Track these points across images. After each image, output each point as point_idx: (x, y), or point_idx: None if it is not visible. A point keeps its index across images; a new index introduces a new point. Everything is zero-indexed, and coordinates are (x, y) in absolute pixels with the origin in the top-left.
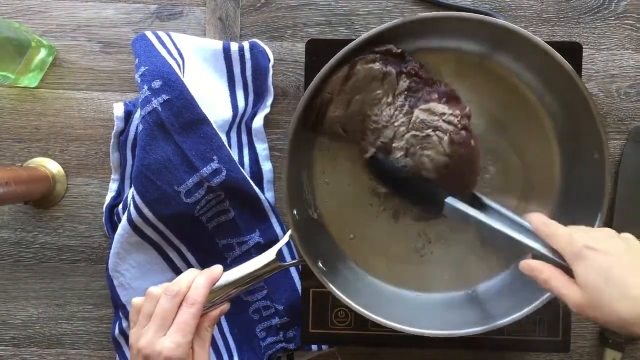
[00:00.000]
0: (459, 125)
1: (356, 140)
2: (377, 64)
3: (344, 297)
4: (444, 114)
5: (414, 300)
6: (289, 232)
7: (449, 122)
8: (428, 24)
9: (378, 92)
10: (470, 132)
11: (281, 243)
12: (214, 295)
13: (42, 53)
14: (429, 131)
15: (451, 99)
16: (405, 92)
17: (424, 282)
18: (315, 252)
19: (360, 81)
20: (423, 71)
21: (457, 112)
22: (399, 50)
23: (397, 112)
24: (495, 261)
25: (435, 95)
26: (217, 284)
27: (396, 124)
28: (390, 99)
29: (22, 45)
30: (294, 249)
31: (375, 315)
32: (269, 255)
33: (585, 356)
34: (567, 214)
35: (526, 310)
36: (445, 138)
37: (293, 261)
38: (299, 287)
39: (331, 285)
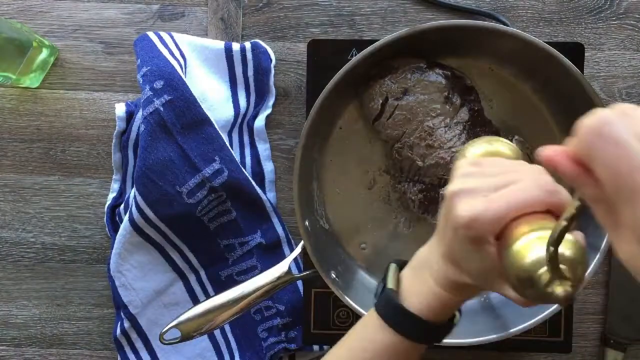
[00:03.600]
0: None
1: (385, 130)
2: (445, 81)
3: (359, 308)
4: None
5: None
6: (301, 243)
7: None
8: (440, 33)
9: (436, 106)
10: None
11: (293, 255)
12: (225, 309)
13: (44, 53)
14: None
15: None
16: (464, 124)
17: None
18: (327, 262)
19: (425, 83)
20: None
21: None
22: (470, 84)
23: (455, 139)
24: None
25: None
26: (230, 297)
27: (454, 149)
28: (447, 121)
29: (23, 45)
30: (300, 259)
31: None
32: (282, 267)
33: (587, 356)
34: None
35: (540, 317)
36: None
37: (306, 272)
38: (301, 288)
39: (347, 298)
